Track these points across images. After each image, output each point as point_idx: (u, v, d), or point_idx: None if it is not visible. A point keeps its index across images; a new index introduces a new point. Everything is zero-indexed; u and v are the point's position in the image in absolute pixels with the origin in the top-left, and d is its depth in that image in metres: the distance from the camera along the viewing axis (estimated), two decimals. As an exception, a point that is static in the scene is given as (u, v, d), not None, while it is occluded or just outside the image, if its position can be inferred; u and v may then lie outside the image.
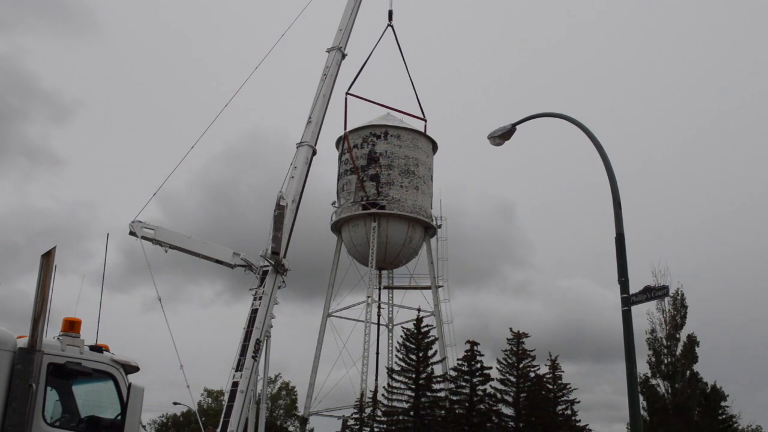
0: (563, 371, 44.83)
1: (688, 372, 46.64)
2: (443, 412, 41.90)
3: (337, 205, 55.62)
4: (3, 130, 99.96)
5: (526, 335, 44.37)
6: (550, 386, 44.22)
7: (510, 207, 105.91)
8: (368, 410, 44.29)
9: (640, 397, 34.15)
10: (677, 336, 47.51)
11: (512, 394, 43.17)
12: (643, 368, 46.39)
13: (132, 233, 26.70)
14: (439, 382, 43.09)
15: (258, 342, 26.48)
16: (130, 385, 10.62)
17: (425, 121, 55.85)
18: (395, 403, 42.47)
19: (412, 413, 41.37)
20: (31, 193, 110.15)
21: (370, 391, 46.73)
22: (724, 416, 46.47)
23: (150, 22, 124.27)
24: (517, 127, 16.10)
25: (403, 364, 42.81)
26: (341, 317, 54.53)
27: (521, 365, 43.66)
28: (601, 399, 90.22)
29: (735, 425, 48.41)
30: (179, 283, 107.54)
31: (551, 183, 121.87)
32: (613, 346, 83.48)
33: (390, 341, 55.31)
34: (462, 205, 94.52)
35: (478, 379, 42.58)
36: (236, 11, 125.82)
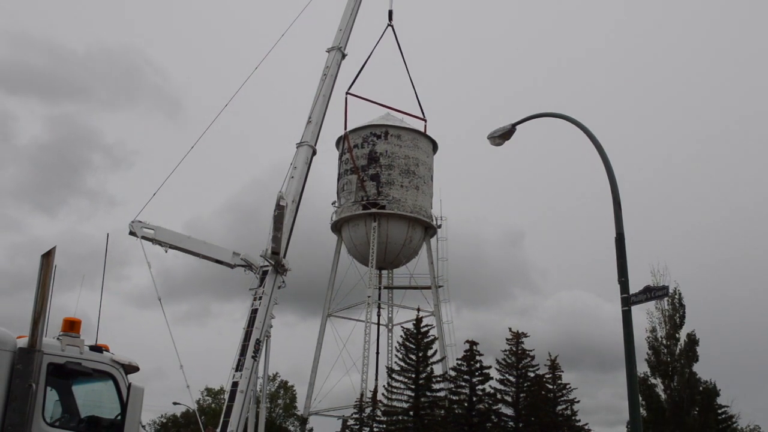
0: (563, 371, 44.87)
1: (687, 371, 46.62)
2: (443, 411, 41.87)
3: (337, 204, 55.59)
4: (71, 177, 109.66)
5: (525, 335, 44.38)
6: (550, 386, 44.18)
7: (517, 231, 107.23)
8: (368, 410, 44.28)
9: (639, 397, 34.11)
10: (676, 336, 47.50)
11: (512, 394, 43.16)
12: (642, 368, 46.39)
13: (132, 233, 26.70)
14: (438, 381, 43.07)
15: (258, 342, 26.48)
16: (130, 385, 10.60)
17: (425, 121, 55.92)
18: (395, 403, 42.45)
19: (411, 413, 41.35)
20: (83, 226, 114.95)
21: (370, 391, 46.75)
22: (723, 416, 46.40)
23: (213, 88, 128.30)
24: (517, 127, 16.11)
25: (402, 364, 42.78)
26: (341, 317, 54.58)
27: (520, 365, 43.65)
28: (603, 403, 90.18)
29: (734, 425, 48.35)
30: (211, 301, 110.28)
31: (551, 185, 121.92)
32: (616, 356, 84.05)
33: (390, 341, 55.36)
34: (463, 210, 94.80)
35: (478, 378, 42.57)
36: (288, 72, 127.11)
